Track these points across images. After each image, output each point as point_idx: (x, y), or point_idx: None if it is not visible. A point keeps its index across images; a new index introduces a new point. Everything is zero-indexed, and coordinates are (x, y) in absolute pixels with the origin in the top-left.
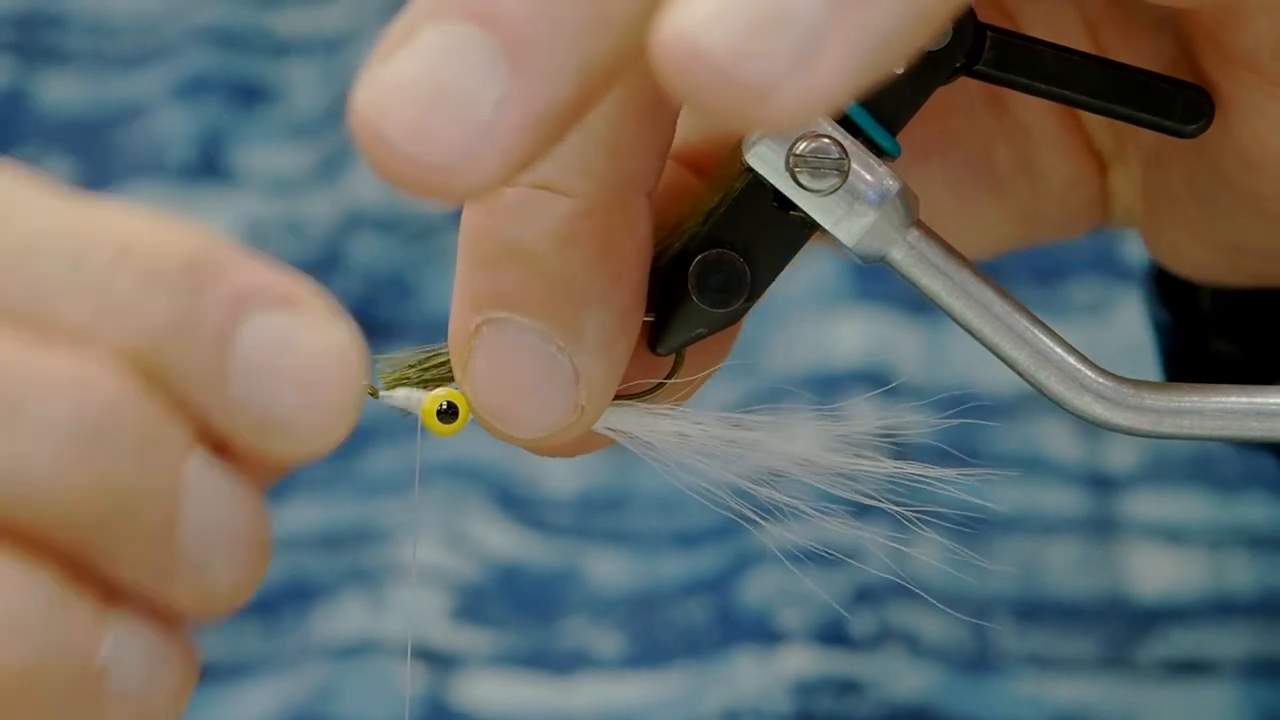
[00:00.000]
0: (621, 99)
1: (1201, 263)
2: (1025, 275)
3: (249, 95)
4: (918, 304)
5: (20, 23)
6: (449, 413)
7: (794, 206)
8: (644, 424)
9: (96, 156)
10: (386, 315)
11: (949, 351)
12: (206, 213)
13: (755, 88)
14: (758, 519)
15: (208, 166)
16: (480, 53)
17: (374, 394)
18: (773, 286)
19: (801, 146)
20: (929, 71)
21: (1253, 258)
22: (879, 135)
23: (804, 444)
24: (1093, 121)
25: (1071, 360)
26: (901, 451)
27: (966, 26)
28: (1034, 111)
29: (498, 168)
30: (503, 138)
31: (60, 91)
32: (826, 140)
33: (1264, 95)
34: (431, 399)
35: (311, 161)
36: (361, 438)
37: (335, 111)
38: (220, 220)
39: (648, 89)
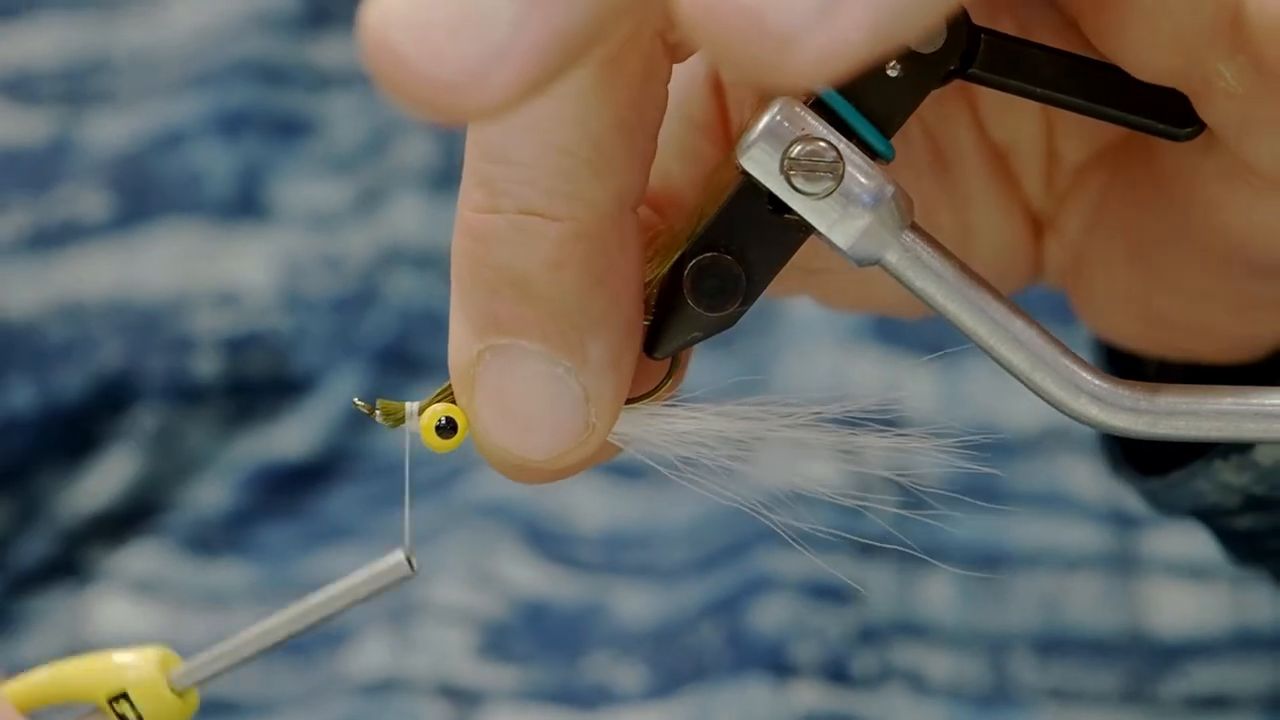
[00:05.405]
0: (601, 116)
1: (1125, 331)
2: (1044, 313)
3: (289, 129)
4: (936, 344)
5: (69, 74)
6: (447, 428)
7: (789, 210)
8: (647, 425)
9: (134, 192)
10: (421, 351)
11: (969, 390)
12: (244, 247)
13: (779, 35)
14: (767, 515)
15: (246, 202)
16: None
17: (370, 413)
18: (790, 321)
19: (796, 149)
20: (923, 74)
21: (1176, 331)
22: (873, 137)
23: (810, 435)
24: (1032, 183)
25: (1067, 362)
26: (916, 487)
27: (960, 29)
28: (975, 176)
29: (510, 89)
30: (517, 58)
31: (101, 129)
32: (821, 143)
33: (1232, 174)
34: (430, 414)
35: (350, 196)
36: (398, 490)
37: (375, 145)
38: (257, 255)
39: (626, 104)
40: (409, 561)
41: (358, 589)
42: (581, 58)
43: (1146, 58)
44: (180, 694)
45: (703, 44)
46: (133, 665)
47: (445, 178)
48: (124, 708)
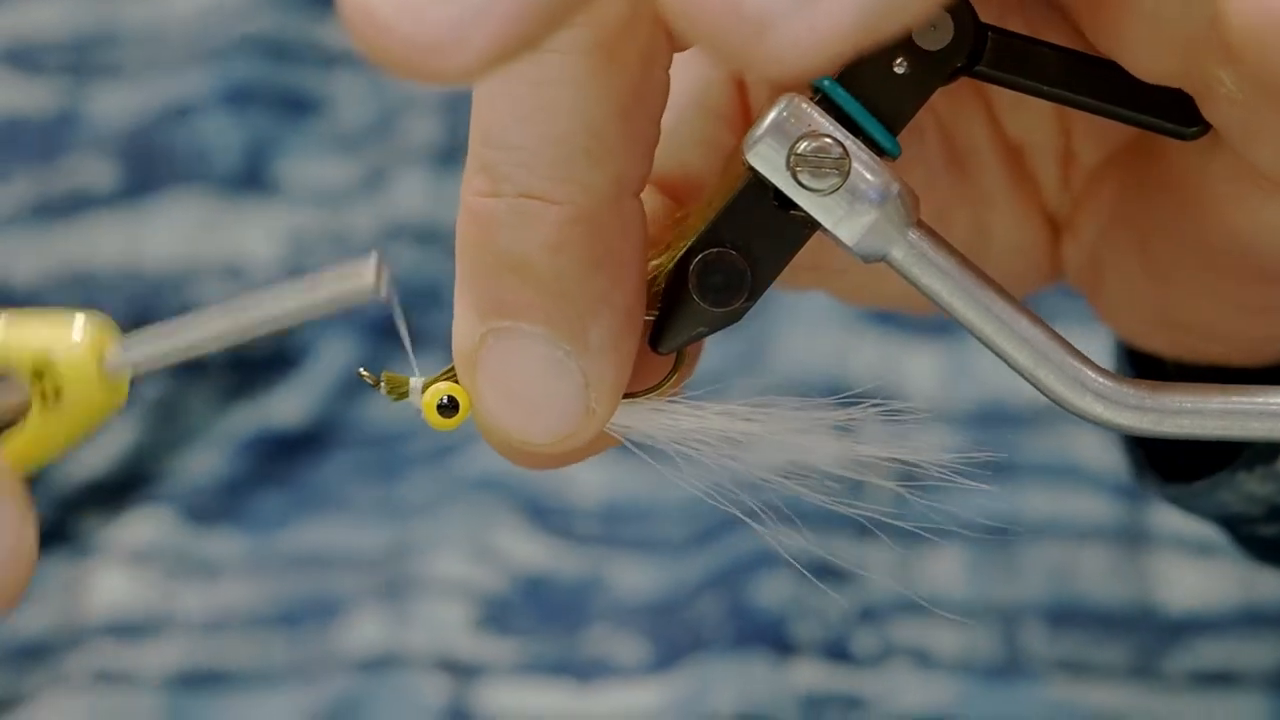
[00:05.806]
0: (598, 103)
1: (1142, 333)
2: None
3: (296, 106)
4: (938, 322)
5: (76, 46)
6: (449, 407)
7: (795, 206)
8: (649, 419)
9: (141, 164)
10: (419, 325)
11: (974, 365)
12: (249, 223)
13: (755, 21)
14: (765, 516)
15: (252, 176)
16: None
17: (375, 385)
18: (792, 297)
19: (802, 146)
20: (930, 71)
21: (1193, 335)
22: (879, 134)
23: (813, 437)
24: (1049, 183)
25: (1071, 360)
26: (918, 463)
27: (967, 26)
28: (992, 175)
29: (487, 51)
30: (495, 21)
31: (108, 102)
32: (827, 139)
33: (1238, 175)
34: (433, 392)
35: (356, 174)
36: (396, 463)
37: (381, 123)
38: (263, 229)
39: (624, 90)
40: (378, 272)
41: (318, 299)
42: (564, 19)
43: (1144, 60)
44: (111, 381)
45: (682, 29)
46: (65, 337)
47: (450, 156)
48: (47, 384)
